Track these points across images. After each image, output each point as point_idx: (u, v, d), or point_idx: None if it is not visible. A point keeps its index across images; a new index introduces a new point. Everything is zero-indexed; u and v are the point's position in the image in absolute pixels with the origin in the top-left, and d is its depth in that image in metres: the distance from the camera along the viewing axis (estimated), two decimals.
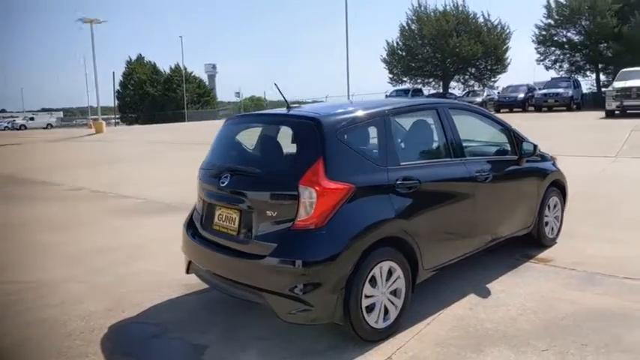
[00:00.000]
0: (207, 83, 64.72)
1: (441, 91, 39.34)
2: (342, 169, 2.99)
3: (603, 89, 31.48)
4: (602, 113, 19.98)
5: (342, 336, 3.15)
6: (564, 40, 32.11)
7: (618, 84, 19.01)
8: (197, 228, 3.60)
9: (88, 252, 5.38)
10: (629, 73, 19.72)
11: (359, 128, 3.30)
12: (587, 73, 32.17)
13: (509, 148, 4.43)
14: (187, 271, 3.72)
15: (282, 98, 3.57)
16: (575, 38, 31.35)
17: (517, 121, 20.69)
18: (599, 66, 30.62)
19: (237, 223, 3.19)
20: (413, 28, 38.98)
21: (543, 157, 4.84)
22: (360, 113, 3.32)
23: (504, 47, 37.02)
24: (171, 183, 9.84)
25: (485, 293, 3.85)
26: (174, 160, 14.18)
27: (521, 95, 28.87)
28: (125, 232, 6.23)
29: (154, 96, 55.99)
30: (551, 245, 4.93)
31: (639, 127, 14.49)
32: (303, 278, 2.84)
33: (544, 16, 32.56)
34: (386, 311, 3.15)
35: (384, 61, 41.15)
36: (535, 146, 4.35)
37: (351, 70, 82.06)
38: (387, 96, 36.42)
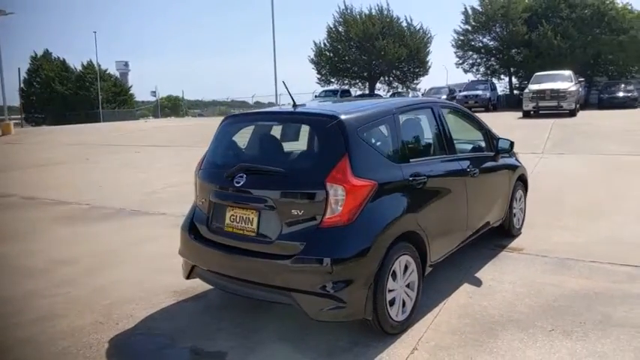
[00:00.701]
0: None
1: (367, 92, 40.54)
2: (365, 166, 3.03)
3: (515, 91, 34.23)
4: (518, 113, 21.66)
5: (360, 332, 3.19)
6: (480, 45, 34.33)
7: (533, 86, 20.68)
8: (201, 230, 3.46)
9: (49, 263, 4.95)
10: (542, 77, 21.54)
11: (374, 126, 3.36)
12: (502, 76, 34.63)
13: (486, 145, 4.71)
14: (188, 277, 3.57)
15: (289, 96, 3.52)
16: (491, 44, 33.63)
17: None
18: (512, 70, 33.09)
19: (255, 223, 3.11)
20: (340, 30, 39.76)
21: (510, 154, 5.19)
22: (373, 111, 3.38)
23: (426, 51, 38.87)
24: (111, 186, 9.31)
25: (477, 282, 4.06)
26: (104, 162, 13.37)
27: (444, 97, 30.41)
28: (80, 240, 5.81)
29: (63, 95, 52.07)
30: (518, 235, 5.30)
31: (557, 125, 15.90)
32: (335, 276, 2.84)
33: (462, 22, 34.62)
34: (402, 304, 3.23)
35: (312, 61, 41.61)
36: (512, 143, 4.66)
37: (281, 71, 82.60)
38: (315, 96, 36.95)
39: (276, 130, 3.68)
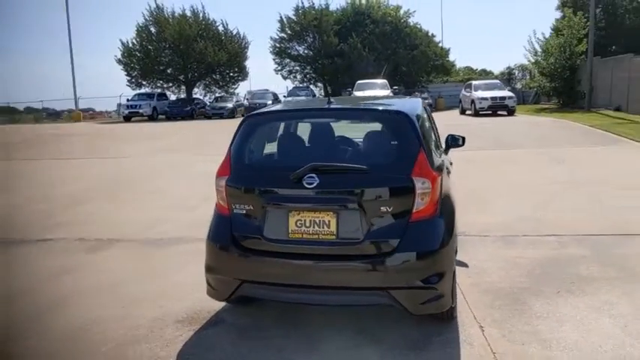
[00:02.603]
0: None
1: (184, 96, 39.12)
2: (430, 159, 3.15)
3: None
4: None
5: (419, 324, 3.30)
6: (296, 53, 36.39)
7: (358, 93, 22.96)
8: (247, 242, 3.11)
9: None
10: (363, 84, 24.09)
11: (424, 121, 3.49)
12: (318, 83, 37.27)
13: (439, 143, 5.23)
14: (230, 297, 3.17)
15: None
16: (306, 52, 35.93)
17: None
18: (326, 77, 35.87)
19: (333, 226, 2.95)
20: (152, 30, 37.46)
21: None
22: (417, 107, 3.51)
23: (245, 56, 39.44)
24: None
25: (462, 265, 4.51)
26: None
27: (269, 102, 31.42)
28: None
29: None
30: None
31: None
32: (433, 268, 2.91)
33: (278, 30, 36.19)
34: None
35: (120, 62, 38.28)
36: (463, 138, 5.26)
37: (83, 73, 72.76)
38: (128, 100, 34.13)
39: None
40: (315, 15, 34.24)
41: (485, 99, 22.03)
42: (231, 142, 3.37)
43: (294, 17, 35.33)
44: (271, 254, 3.06)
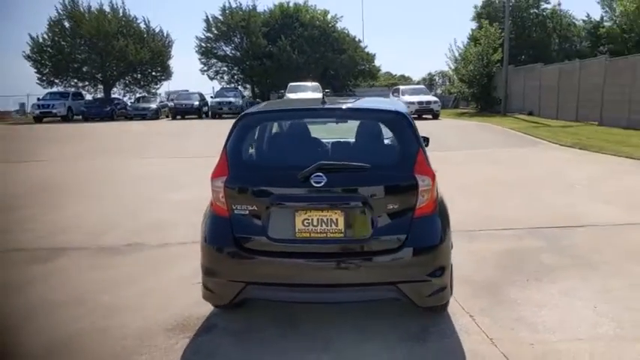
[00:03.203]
0: None
1: (102, 95, 36.94)
2: (427, 158, 3.28)
3: (258, 99, 36.88)
4: None
5: (414, 317, 3.43)
6: (223, 53, 35.72)
7: (292, 95, 23.04)
8: (249, 243, 3.06)
9: None
10: (296, 87, 24.20)
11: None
12: (246, 85, 36.80)
13: None
14: (232, 301, 3.10)
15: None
16: (234, 53, 35.38)
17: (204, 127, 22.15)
18: (254, 79, 35.49)
19: (341, 224, 2.98)
20: (66, 25, 34.99)
21: None
22: (406, 107, 3.63)
23: (168, 55, 38.06)
24: None
25: None
26: None
27: (197, 103, 30.58)
28: None
29: None
30: None
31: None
32: (438, 261, 3.04)
33: (204, 30, 35.33)
34: None
35: (29, 58, 35.37)
36: (428, 139, 5.49)
37: None
38: (38, 99, 31.61)
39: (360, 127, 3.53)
40: (242, 16, 33.86)
41: (413, 103, 23.00)
42: (227, 142, 3.28)
43: (220, 17, 34.68)
44: (277, 254, 3.03)
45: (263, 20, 34.08)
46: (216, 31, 34.98)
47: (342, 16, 51.40)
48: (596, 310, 3.56)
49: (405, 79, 40.90)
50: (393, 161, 3.21)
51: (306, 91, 23.70)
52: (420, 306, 3.08)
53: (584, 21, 31.24)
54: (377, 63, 36.86)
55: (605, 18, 29.46)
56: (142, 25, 36.99)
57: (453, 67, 27.82)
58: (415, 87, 26.35)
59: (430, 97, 24.11)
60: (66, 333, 3.37)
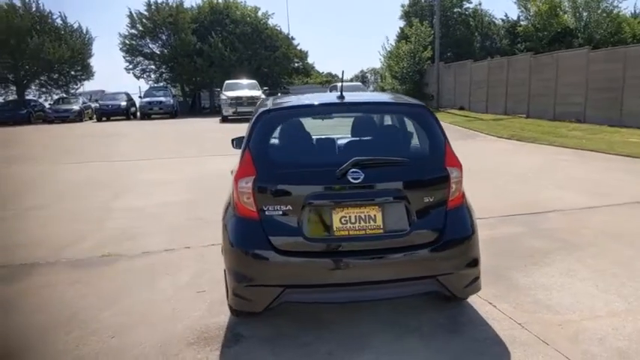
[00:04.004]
0: None
1: (16, 97, 33.94)
2: (452, 150, 3.31)
3: (188, 98, 35.64)
4: (213, 119, 23.26)
5: (436, 310, 3.48)
6: (150, 51, 34.05)
7: (230, 93, 22.49)
8: (284, 244, 2.93)
9: None
10: (234, 84, 23.63)
11: None
12: (177, 84, 35.26)
13: None
14: (270, 305, 2.94)
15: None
16: (162, 51, 33.83)
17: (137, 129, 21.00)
18: (184, 77, 34.09)
19: (379, 219, 2.93)
20: None
21: None
22: None
23: (89, 53, 35.72)
24: None
25: None
26: None
27: (124, 103, 29.03)
28: None
29: None
30: None
31: None
32: (472, 252, 3.09)
33: (128, 26, 33.47)
34: None
35: None
36: None
37: None
38: None
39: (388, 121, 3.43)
40: (169, 12, 32.44)
41: None
42: (248, 141, 3.12)
43: (146, 13, 33.01)
44: (315, 254, 2.93)
45: (192, 17, 32.85)
46: (141, 28, 33.22)
47: (273, 13, 51.14)
48: (599, 288, 3.79)
49: (332, 76, 41.28)
50: (423, 154, 3.22)
51: (244, 89, 23.25)
52: (458, 297, 3.11)
53: (502, 20, 33.35)
54: (310, 60, 37.00)
55: (521, 17, 31.65)
56: (59, 22, 34.42)
57: (385, 64, 28.53)
58: (352, 84, 26.76)
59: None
60: (77, 356, 3.04)
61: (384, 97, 4.07)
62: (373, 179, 2.95)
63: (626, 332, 3.11)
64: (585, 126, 14.92)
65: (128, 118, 28.67)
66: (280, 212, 2.94)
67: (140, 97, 29.93)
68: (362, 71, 37.34)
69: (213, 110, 32.96)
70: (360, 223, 2.93)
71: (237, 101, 21.95)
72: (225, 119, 22.28)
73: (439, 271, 2.99)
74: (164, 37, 33.54)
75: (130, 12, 33.40)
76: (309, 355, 2.99)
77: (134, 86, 55.06)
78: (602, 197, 6.63)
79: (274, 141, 3.20)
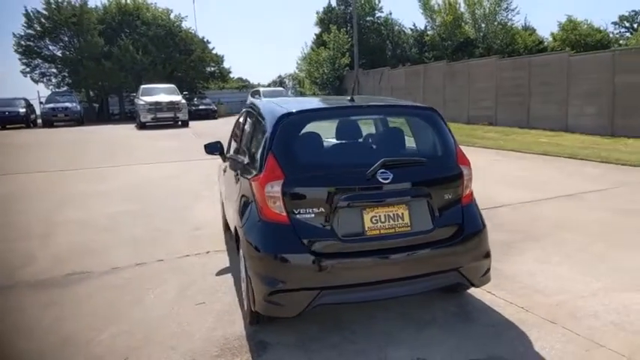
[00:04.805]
0: None
1: None
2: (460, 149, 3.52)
3: (94, 104, 33.25)
4: (126, 125, 22.07)
5: (445, 299, 3.68)
6: (50, 53, 31.40)
7: (148, 99, 21.37)
8: (317, 247, 2.93)
9: None
10: (151, 89, 22.51)
11: None
12: (81, 88, 32.66)
13: None
14: (306, 309, 2.93)
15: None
16: (64, 53, 31.31)
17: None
18: (90, 82, 31.78)
19: (407, 218, 3.04)
20: None
21: None
22: None
23: None
24: None
25: None
26: None
27: (22, 110, 26.49)
28: None
29: None
30: None
31: (195, 134, 17.43)
32: (486, 244, 3.31)
33: (24, 26, 30.59)
34: None
35: None
36: None
37: None
38: None
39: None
40: (72, 11, 30.12)
41: None
42: (270, 144, 3.08)
43: (45, 12, 30.37)
44: (349, 255, 2.97)
45: (98, 17, 30.83)
46: (39, 28, 30.51)
47: (186, 16, 49.59)
48: (574, 271, 4.21)
49: (243, 82, 40.87)
50: (439, 154, 3.39)
51: (160, 94, 22.21)
52: (477, 285, 3.31)
53: (411, 29, 35.27)
54: (226, 65, 36.37)
55: (428, 27, 33.71)
56: None
57: (305, 70, 28.93)
58: (274, 89, 26.81)
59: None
60: None
61: (395, 100, 4.23)
62: (400, 179, 3.06)
63: (613, 307, 3.50)
64: (498, 128, 16.31)
65: (28, 126, 26.18)
66: (312, 214, 2.94)
67: (41, 103, 27.52)
68: (280, 77, 37.51)
69: (124, 116, 31.17)
70: (389, 222, 3.02)
71: (157, 107, 20.97)
72: (143, 126, 21.18)
73: (461, 263, 3.17)
74: (66, 39, 31.13)
75: (26, 10, 30.59)
76: (342, 355, 3.01)
77: (31, 91, 50.24)
78: (539, 192, 7.32)
79: (297, 144, 3.18)
